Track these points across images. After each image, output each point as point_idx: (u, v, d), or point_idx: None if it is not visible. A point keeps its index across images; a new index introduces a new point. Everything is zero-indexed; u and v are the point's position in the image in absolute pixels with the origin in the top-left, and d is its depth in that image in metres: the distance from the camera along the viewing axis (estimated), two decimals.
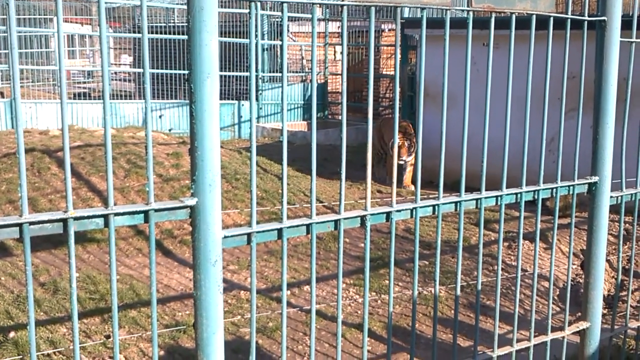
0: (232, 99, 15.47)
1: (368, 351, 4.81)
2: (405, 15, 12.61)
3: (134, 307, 5.53)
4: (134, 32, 17.41)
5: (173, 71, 15.08)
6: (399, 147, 10.31)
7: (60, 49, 2.01)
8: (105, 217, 2.10)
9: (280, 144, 2.45)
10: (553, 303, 5.46)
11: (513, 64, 3.10)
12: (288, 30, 16.90)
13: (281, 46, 2.56)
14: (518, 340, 3.44)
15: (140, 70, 16.29)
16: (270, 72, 16.50)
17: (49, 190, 7.75)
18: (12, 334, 4.91)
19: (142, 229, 7.20)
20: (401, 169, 10.82)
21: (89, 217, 2.08)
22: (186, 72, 2.19)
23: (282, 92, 2.48)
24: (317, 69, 16.84)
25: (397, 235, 7.39)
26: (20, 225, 1.98)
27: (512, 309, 3.51)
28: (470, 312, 5.57)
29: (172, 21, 18.20)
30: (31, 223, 1.99)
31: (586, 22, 3.31)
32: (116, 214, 2.11)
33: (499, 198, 3.19)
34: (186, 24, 2.14)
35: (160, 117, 14.50)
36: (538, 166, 3.34)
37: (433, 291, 3.08)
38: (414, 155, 10.31)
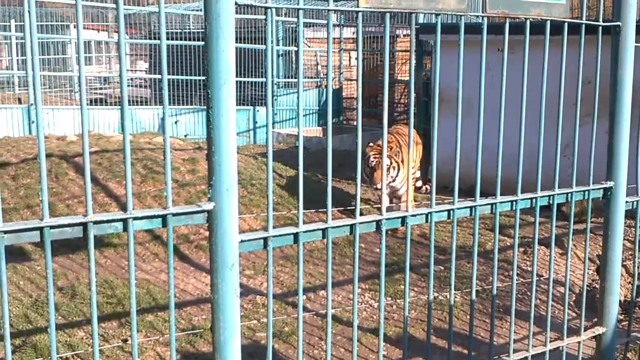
0: (247, 105, 15.52)
1: (384, 356, 4.82)
2: (420, 20, 12.61)
3: (150, 312, 5.57)
4: (150, 38, 17.51)
5: (189, 77, 15.15)
6: (372, 170, 7.76)
7: (80, 56, 2.05)
8: (124, 221, 2.13)
9: (296, 150, 2.48)
10: (569, 308, 5.45)
11: (528, 70, 3.12)
12: (303, 36, 16.95)
13: (296, 52, 2.59)
14: (534, 346, 3.44)
15: (156, 76, 16.40)
16: (285, 77, 16.54)
17: (66, 195, 7.81)
18: (29, 338, 4.95)
19: (159, 234, 7.25)
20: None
21: (108, 221, 2.12)
22: (202, 78, 2.23)
23: (298, 98, 2.50)
24: (332, 74, 16.88)
25: (412, 240, 7.39)
26: (41, 229, 2.02)
27: (527, 314, 3.52)
28: (486, 317, 5.56)
29: (187, 27, 18.31)
30: (52, 227, 2.03)
31: (601, 28, 3.32)
32: (135, 218, 2.14)
33: (514, 203, 3.20)
34: (203, 31, 2.17)
35: (175, 122, 14.57)
36: (553, 171, 3.34)
37: (448, 296, 3.09)
38: (402, 178, 7.92)
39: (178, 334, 5.09)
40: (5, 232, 1.97)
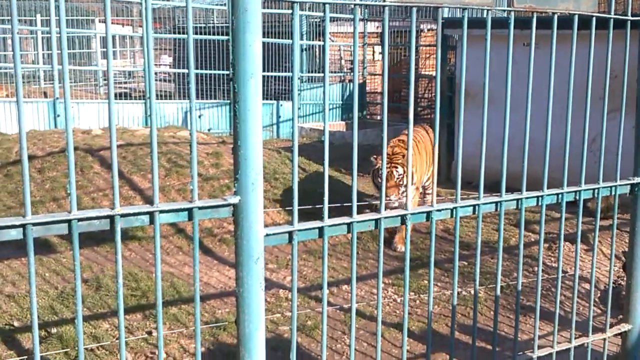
0: (271, 99, 15.53)
1: (407, 351, 4.82)
2: (445, 15, 12.54)
3: (174, 304, 5.60)
4: (174, 32, 17.58)
5: (213, 71, 15.17)
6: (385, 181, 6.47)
7: (108, 50, 2.07)
8: (151, 214, 2.15)
9: (319, 144, 2.47)
10: (594, 305, 5.41)
11: (555, 64, 3.09)
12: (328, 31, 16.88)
13: (320, 46, 2.59)
14: (558, 342, 3.42)
15: (180, 70, 16.45)
16: (309, 72, 16.53)
17: (91, 188, 7.88)
18: (54, 330, 5.01)
19: (182, 227, 7.29)
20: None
21: (135, 214, 2.13)
22: (225, 72, 2.23)
23: (323, 93, 2.50)
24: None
25: (436, 235, 7.35)
26: (69, 221, 2.04)
27: (552, 310, 3.50)
28: (510, 313, 5.54)
29: (211, 22, 18.34)
30: (79, 219, 2.05)
31: (629, 22, 3.28)
32: (161, 212, 2.15)
33: (540, 198, 3.18)
34: (230, 25, 2.17)
35: (199, 117, 14.63)
36: (579, 167, 3.31)
37: (472, 292, 3.08)
38: (411, 184, 6.53)
39: (202, 327, 5.12)
40: (34, 224, 1.99)
